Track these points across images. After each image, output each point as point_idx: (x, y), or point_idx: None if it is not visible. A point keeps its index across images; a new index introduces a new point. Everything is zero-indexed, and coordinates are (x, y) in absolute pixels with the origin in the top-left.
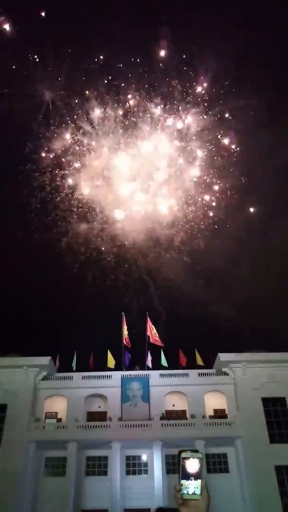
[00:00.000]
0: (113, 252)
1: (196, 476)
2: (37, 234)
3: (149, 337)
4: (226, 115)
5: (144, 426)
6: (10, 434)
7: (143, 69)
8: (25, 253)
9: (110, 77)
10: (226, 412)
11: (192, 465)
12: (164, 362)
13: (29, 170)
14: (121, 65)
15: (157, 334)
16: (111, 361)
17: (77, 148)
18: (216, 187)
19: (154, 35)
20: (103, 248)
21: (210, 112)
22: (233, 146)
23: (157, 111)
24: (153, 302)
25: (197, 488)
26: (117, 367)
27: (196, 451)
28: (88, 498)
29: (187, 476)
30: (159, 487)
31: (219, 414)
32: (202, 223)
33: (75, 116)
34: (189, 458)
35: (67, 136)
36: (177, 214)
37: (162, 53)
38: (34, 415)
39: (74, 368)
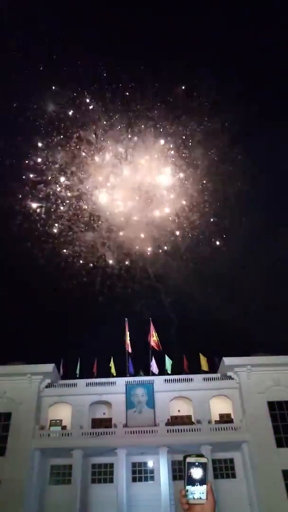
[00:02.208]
0: (119, 259)
1: (201, 482)
2: (45, 243)
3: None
4: (226, 124)
5: (149, 432)
6: (15, 443)
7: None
8: (31, 261)
9: (113, 86)
10: (232, 417)
11: (197, 471)
12: (168, 367)
13: (34, 181)
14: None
15: (156, 339)
16: (113, 369)
17: (81, 158)
18: (219, 194)
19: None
20: (109, 256)
21: (210, 121)
22: (236, 151)
23: (159, 119)
24: (159, 308)
25: (202, 493)
26: (122, 373)
27: (201, 455)
28: (95, 506)
29: (192, 481)
30: (165, 494)
31: (225, 418)
32: (207, 229)
33: (79, 127)
34: (194, 463)
35: (72, 146)
36: (182, 221)
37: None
38: (39, 423)
39: (78, 375)
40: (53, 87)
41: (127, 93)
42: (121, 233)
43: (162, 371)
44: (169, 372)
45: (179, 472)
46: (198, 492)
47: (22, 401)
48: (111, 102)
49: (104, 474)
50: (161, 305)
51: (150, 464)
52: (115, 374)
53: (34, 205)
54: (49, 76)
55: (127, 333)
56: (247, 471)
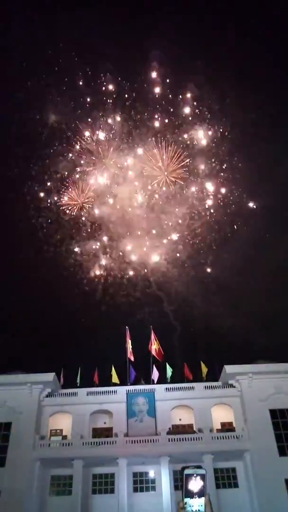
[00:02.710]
0: (121, 268)
1: (200, 494)
2: (46, 253)
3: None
4: (226, 133)
5: (150, 441)
6: (15, 453)
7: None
8: (33, 271)
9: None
10: (234, 425)
11: (195, 483)
12: (169, 376)
13: (36, 192)
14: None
15: (157, 348)
16: (115, 377)
17: (82, 167)
18: (221, 202)
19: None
20: (111, 264)
21: (212, 128)
22: (236, 159)
23: (158, 125)
24: (160, 316)
25: (201, 505)
26: (122, 382)
27: (199, 467)
28: None
29: (190, 494)
30: (167, 504)
31: (227, 427)
32: (208, 237)
33: (79, 138)
34: (193, 474)
35: (72, 157)
36: (183, 230)
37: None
38: (39, 433)
39: (78, 384)
40: (57, 98)
41: (128, 102)
42: (122, 242)
43: (163, 380)
44: (170, 380)
45: (181, 482)
46: (196, 505)
47: (23, 410)
48: (112, 111)
49: (105, 484)
50: (162, 313)
51: (152, 474)
52: (118, 382)
53: (36, 213)
54: (50, 87)
55: (128, 341)
56: (250, 481)
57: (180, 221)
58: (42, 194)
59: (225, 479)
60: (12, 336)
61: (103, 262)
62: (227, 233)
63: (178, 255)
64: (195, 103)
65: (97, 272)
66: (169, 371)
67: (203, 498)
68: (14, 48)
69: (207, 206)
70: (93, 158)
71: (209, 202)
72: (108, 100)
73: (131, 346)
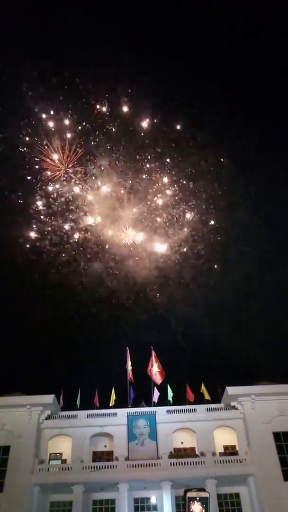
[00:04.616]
0: (124, 289)
1: None
2: (49, 274)
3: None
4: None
5: (152, 465)
6: (14, 477)
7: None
8: (37, 291)
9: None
10: (237, 448)
11: (198, 506)
12: (170, 397)
13: (41, 214)
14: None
15: (159, 371)
16: (113, 399)
17: (86, 190)
18: (222, 224)
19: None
20: (114, 285)
21: (212, 153)
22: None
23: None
24: (162, 337)
25: None
26: (123, 404)
27: (203, 489)
28: None
29: None
30: None
31: (230, 450)
32: (210, 258)
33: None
34: (196, 498)
35: (77, 179)
36: (185, 251)
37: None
38: (38, 457)
39: (78, 406)
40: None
41: (130, 128)
42: (126, 263)
43: (165, 401)
44: (171, 402)
45: (183, 509)
46: None
47: (22, 433)
48: (115, 136)
49: (105, 510)
50: (165, 334)
51: (153, 499)
52: (113, 404)
53: (40, 236)
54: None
55: (129, 363)
56: (254, 507)
57: (182, 243)
58: (47, 218)
59: (229, 505)
60: (11, 357)
61: (108, 282)
62: (232, 255)
63: (182, 273)
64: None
65: (103, 293)
66: (170, 393)
67: None
68: None
69: (209, 228)
70: (97, 182)
71: (211, 225)
72: None
73: (131, 368)
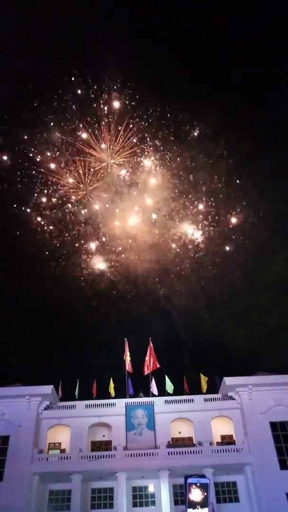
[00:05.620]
0: (124, 281)
1: (203, 504)
2: (50, 267)
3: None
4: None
5: (150, 455)
6: (13, 467)
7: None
8: (37, 284)
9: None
10: (234, 438)
11: (198, 492)
12: (169, 388)
13: (42, 205)
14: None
15: (151, 361)
16: (112, 390)
17: (88, 182)
18: (223, 217)
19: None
20: (114, 276)
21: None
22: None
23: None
24: (161, 328)
25: None
26: (121, 395)
27: (203, 476)
28: None
29: (193, 504)
30: None
31: (227, 440)
32: (211, 251)
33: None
34: (196, 483)
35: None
36: (187, 243)
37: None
38: (37, 446)
39: (77, 397)
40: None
41: (133, 123)
42: (126, 256)
43: (163, 392)
44: (170, 392)
45: (181, 497)
46: None
47: (21, 423)
48: (115, 128)
49: (104, 499)
50: (165, 325)
51: (151, 488)
52: (113, 395)
53: (41, 228)
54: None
55: (127, 353)
56: (251, 495)
57: (182, 237)
58: (48, 209)
59: (226, 493)
60: (9, 348)
61: (108, 275)
62: (231, 248)
63: (182, 266)
64: None
65: (104, 286)
66: (168, 383)
67: (206, 509)
68: None
69: (209, 221)
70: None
71: (211, 218)
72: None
73: (129, 358)
